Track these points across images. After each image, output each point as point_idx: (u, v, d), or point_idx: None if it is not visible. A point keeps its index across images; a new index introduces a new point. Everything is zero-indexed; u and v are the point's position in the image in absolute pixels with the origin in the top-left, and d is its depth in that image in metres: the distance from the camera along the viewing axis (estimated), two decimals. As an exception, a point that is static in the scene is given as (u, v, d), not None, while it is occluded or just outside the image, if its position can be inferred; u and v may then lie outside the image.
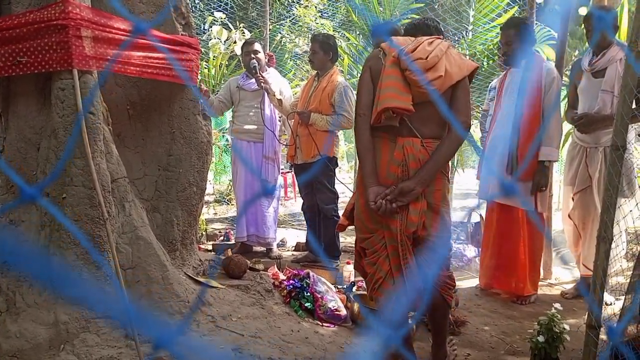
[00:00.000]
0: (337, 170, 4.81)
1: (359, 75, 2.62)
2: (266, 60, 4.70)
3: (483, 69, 6.65)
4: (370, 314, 3.19)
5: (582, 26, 3.95)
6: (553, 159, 3.67)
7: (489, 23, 6.88)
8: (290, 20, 11.45)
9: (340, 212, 4.77)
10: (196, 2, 10.39)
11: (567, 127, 4.89)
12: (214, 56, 7.77)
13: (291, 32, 11.30)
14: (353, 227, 2.77)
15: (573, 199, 3.91)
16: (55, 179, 2.42)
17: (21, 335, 2.40)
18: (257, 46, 4.55)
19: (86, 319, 2.47)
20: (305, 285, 3.34)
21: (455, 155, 4.22)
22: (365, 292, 3.54)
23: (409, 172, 2.39)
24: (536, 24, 4.89)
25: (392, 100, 2.34)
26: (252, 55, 4.46)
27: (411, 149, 2.40)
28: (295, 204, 8.14)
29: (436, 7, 8.78)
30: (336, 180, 4.68)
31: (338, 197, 4.66)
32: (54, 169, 2.46)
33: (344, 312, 3.28)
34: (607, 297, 3.41)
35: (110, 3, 2.73)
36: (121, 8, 2.81)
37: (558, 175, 5.84)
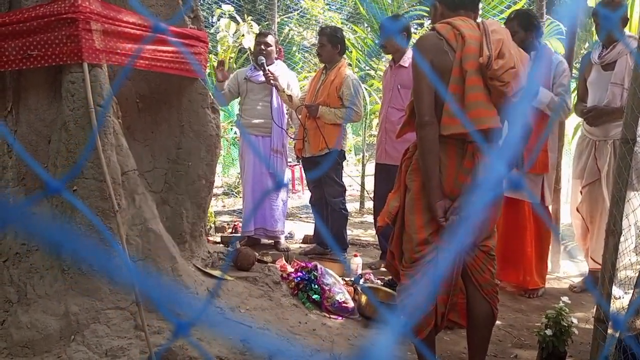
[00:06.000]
0: (344, 163, 4.81)
1: (413, 65, 2.27)
2: (276, 54, 4.69)
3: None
4: (380, 306, 3.20)
5: (592, 19, 3.92)
6: (540, 104, 3.56)
7: (498, 15, 6.84)
8: (298, 13, 11.42)
9: (348, 205, 4.80)
10: (204, -6, 10.39)
11: (576, 120, 4.86)
12: (222, 49, 7.77)
13: (299, 25, 11.28)
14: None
15: (581, 193, 3.89)
16: (77, 172, 2.43)
17: (32, 326, 2.43)
18: (269, 39, 4.54)
19: (96, 310, 2.50)
20: (312, 278, 3.35)
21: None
22: (374, 285, 3.56)
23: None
24: (546, 17, 4.86)
25: (487, 119, 2.10)
26: (263, 47, 4.46)
27: (482, 157, 2.20)
28: (303, 196, 8.15)
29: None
30: (344, 174, 4.68)
31: (346, 190, 4.66)
32: (76, 162, 2.47)
33: (351, 304, 3.29)
34: (616, 291, 3.40)
35: (130, 2, 2.73)
36: (141, 8, 2.82)
37: (567, 169, 5.80)
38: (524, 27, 3.57)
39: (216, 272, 3.18)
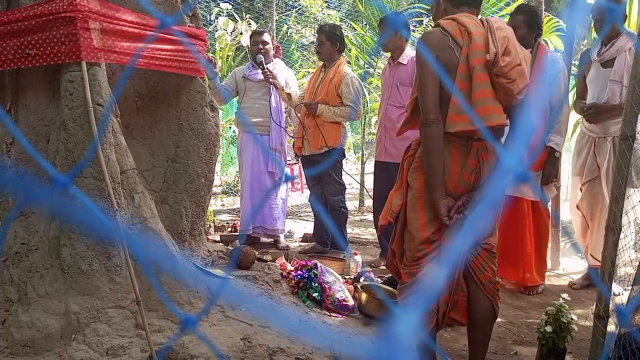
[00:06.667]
0: (344, 161, 4.81)
1: (418, 61, 2.25)
2: (273, 51, 4.69)
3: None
4: (388, 303, 3.20)
5: (590, 16, 3.92)
6: (560, 149, 3.65)
7: (497, 13, 6.83)
8: (296, 11, 11.41)
9: (348, 204, 4.80)
10: (202, -7, 10.38)
11: (575, 117, 4.87)
12: (220, 48, 7.77)
13: (297, 23, 11.26)
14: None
15: (581, 190, 3.90)
16: (78, 171, 2.43)
17: (33, 325, 2.43)
18: (266, 37, 4.53)
19: (97, 309, 2.50)
20: (313, 276, 3.35)
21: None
22: (374, 283, 3.56)
23: (481, 180, 2.20)
24: (545, 14, 4.85)
25: (495, 116, 2.09)
26: (261, 47, 4.45)
27: (486, 156, 2.20)
28: (303, 195, 8.15)
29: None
30: (343, 172, 4.68)
31: (345, 189, 4.67)
32: (75, 161, 2.47)
33: (351, 302, 3.29)
34: (616, 288, 3.41)
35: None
36: (147, 4, 2.82)
37: (567, 166, 5.81)
38: (528, 24, 3.57)
39: (216, 271, 3.18)
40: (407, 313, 0.55)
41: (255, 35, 4.58)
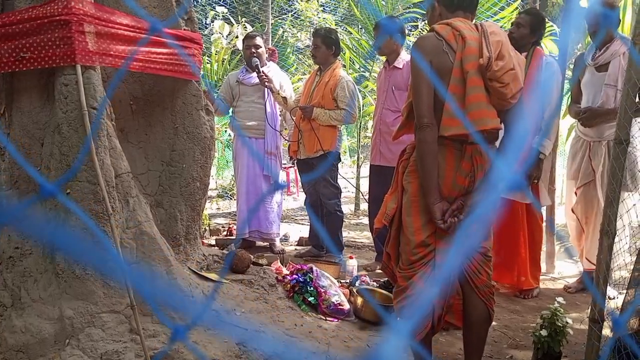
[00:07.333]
0: (339, 165, 4.80)
1: (412, 66, 2.26)
2: (267, 54, 4.69)
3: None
4: (380, 309, 3.20)
5: (585, 23, 3.93)
6: (547, 152, 3.64)
7: (492, 17, 6.86)
8: (292, 15, 11.43)
9: (343, 207, 4.80)
10: (198, -4, 10.39)
11: (570, 120, 4.89)
12: (216, 51, 7.77)
13: (293, 27, 11.28)
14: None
15: (576, 194, 3.91)
16: (72, 175, 2.42)
17: (26, 330, 2.42)
18: (258, 40, 4.53)
19: (91, 314, 2.48)
20: (308, 280, 3.35)
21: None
22: (370, 287, 3.56)
23: (475, 183, 2.22)
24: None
25: (489, 120, 2.11)
26: (254, 50, 4.44)
27: (480, 159, 2.21)
28: (298, 198, 8.15)
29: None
30: (339, 175, 4.68)
31: (341, 192, 4.66)
32: (69, 165, 2.46)
33: (347, 306, 3.29)
34: (610, 291, 3.41)
35: (125, 2, 2.72)
36: (138, 8, 2.81)
37: (561, 169, 5.82)
38: (532, 27, 3.58)
39: (211, 275, 3.17)
40: (400, 325, 0.54)
41: (248, 39, 4.58)
